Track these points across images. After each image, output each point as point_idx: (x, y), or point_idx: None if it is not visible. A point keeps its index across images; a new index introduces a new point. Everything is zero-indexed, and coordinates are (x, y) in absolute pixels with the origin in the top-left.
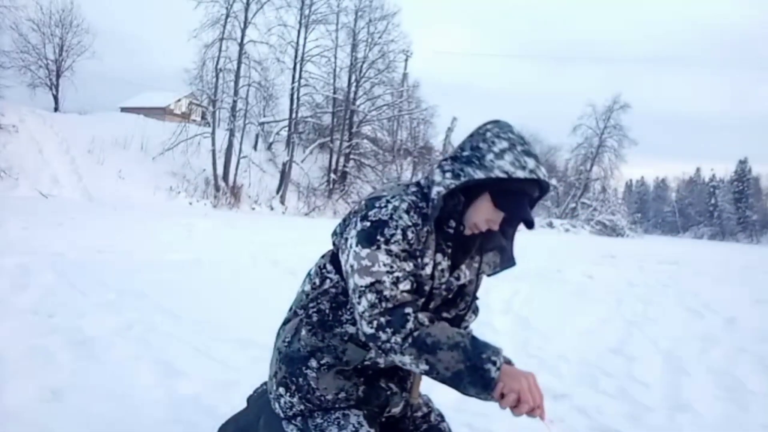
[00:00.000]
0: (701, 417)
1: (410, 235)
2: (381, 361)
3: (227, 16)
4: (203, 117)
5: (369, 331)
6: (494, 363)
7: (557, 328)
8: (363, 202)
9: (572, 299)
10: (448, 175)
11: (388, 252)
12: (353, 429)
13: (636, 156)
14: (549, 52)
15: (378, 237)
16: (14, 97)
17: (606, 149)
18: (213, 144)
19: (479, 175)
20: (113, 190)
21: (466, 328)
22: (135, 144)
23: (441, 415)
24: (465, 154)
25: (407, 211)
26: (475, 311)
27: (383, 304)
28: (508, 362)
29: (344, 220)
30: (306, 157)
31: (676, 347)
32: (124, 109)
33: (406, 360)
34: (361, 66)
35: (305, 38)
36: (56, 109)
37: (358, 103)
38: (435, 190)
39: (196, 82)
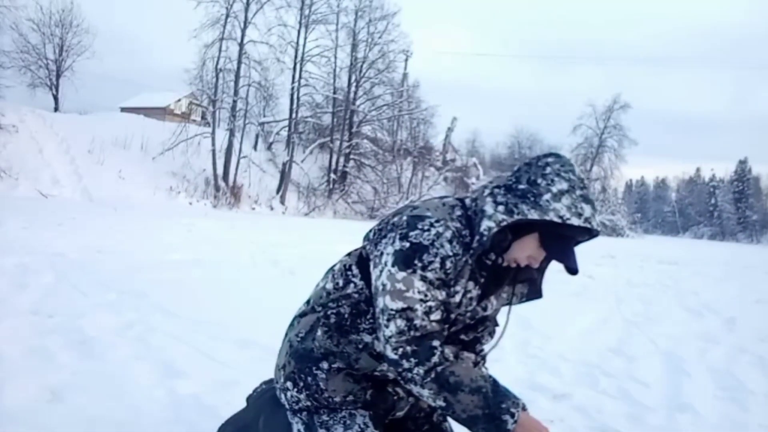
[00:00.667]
0: (701, 417)
1: (448, 264)
2: (391, 374)
3: (227, 16)
4: (203, 117)
5: (392, 356)
6: (512, 415)
7: (557, 328)
8: (404, 218)
9: (572, 299)
10: (500, 208)
11: (424, 278)
12: (359, 429)
13: (636, 156)
14: (549, 52)
15: (416, 261)
16: (14, 97)
17: (606, 149)
18: (213, 144)
19: (533, 215)
20: (113, 190)
21: (481, 351)
22: (135, 144)
23: (443, 415)
24: (521, 187)
25: (450, 241)
26: (491, 334)
27: (412, 333)
28: (524, 408)
29: (380, 229)
30: (306, 157)
31: (676, 347)
32: (124, 109)
33: (424, 393)
34: (361, 66)
35: (305, 38)
36: (56, 109)
37: (358, 103)
38: (485, 224)
39: (196, 82)
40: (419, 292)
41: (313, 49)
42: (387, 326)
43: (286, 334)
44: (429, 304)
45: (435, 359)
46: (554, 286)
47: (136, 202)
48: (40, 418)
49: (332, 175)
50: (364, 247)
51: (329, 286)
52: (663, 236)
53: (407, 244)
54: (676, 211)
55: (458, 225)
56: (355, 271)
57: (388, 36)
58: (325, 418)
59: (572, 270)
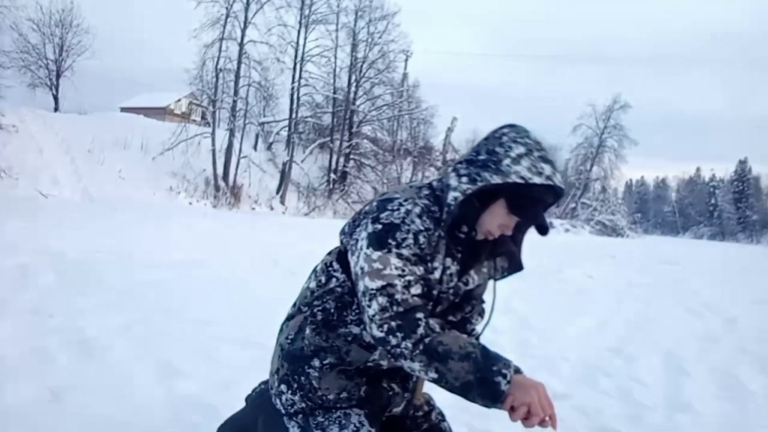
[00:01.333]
0: (701, 417)
1: (422, 239)
2: (384, 363)
3: (227, 16)
4: (203, 117)
5: (379, 334)
6: (504, 376)
7: (557, 328)
8: (374, 204)
9: (572, 299)
10: (464, 179)
11: (399, 255)
12: (354, 428)
13: (636, 156)
14: (548, 52)
15: (389, 240)
16: (14, 97)
17: (606, 149)
18: (213, 144)
19: (496, 179)
20: (113, 190)
21: (472, 331)
22: (135, 144)
23: (441, 414)
24: (481, 157)
25: (420, 216)
26: (481, 314)
27: (394, 308)
28: (518, 371)
29: (354, 220)
30: (306, 157)
31: (676, 347)
32: (124, 109)
33: (415, 366)
34: (361, 66)
35: (305, 38)
36: (56, 109)
37: (358, 103)
38: (451, 195)
39: (196, 82)
40: (396, 268)
41: (313, 49)
42: (370, 306)
43: (277, 340)
44: (408, 278)
45: (420, 331)
46: (554, 286)
47: (136, 202)
48: (40, 418)
49: (332, 175)
50: (341, 242)
51: (312, 285)
52: (663, 236)
53: (379, 226)
54: (676, 211)
55: (427, 201)
56: (336, 266)
57: (388, 36)
58: (320, 419)
59: (543, 228)
